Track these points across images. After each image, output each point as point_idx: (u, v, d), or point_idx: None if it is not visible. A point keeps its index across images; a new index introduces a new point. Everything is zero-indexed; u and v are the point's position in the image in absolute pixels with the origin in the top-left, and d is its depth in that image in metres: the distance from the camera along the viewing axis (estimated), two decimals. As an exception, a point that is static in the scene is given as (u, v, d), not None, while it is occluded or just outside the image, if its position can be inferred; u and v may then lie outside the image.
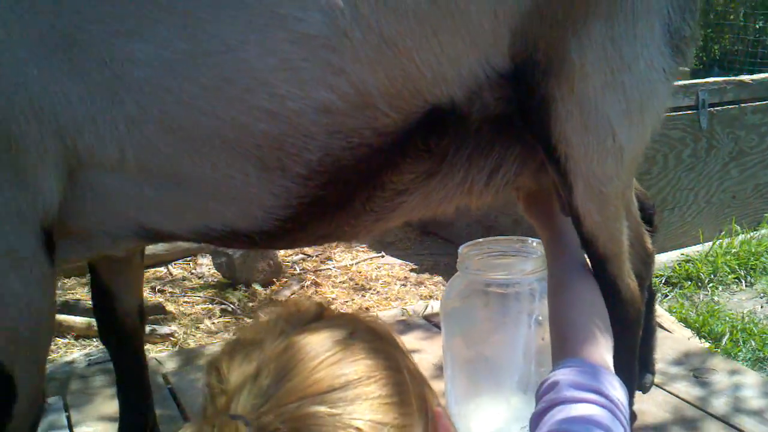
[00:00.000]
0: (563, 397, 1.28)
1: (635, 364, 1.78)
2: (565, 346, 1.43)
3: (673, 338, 3.03)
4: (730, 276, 4.39)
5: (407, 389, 0.99)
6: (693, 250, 4.54)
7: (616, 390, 1.30)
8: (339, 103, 1.38)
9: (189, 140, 1.39)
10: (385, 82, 1.39)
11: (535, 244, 1.99)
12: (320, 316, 1.04)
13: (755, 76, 4.82)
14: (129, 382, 1.95)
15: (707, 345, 3.46)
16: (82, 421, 2.41)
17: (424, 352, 2.83)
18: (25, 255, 1.44)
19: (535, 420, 1.30)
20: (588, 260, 1.60)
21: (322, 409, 0.90)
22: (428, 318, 3.21)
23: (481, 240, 2.04)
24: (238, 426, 0.87)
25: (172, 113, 1.37)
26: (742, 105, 4.61)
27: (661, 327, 3.54)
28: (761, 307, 4.12)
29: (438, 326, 2.91)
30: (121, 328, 1.89)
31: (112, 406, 2.44)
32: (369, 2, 1.33)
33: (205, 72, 1.34)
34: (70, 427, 2.39)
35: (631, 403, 1.78)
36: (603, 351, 1.41)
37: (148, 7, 1.33)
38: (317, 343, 0.96)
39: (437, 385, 2.24)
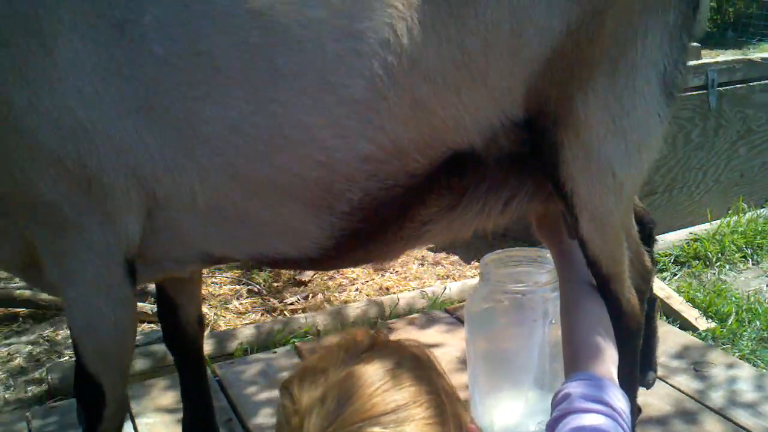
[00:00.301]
0: (574, 407, 1.50)
1: (637, 369, 2.04)
2: (576, 361, 1.66)
3: (675, 332, 3.27)
4: (737, 255, 4.57)
5: (445, 410, 1.18)
6: (701, 229, 4.74)
7: (620, 401, 1.51)
8: (377, 153, 1.64)
9: (251, 187, 1.66)
10: (416, 135, 1.65)
11: (548, 255, 2.26)
12: (372, 346, 1.24)
13: (765, 55, 5.02)
14: (192, 381, 2.24)
15: (713, 325, 3.67)
16: (141, 412, 2.71)
17: (447, 345, 3.08)
18: (112, 282, 1.73)
19: (551, 426, 1.50)
20: (593, 278, 1.88)
21: (377, 429, 1.09)
22: (450, 312, 3.46)
23: (501, 251, 2.32)
24: None
25: (237, 165, 1.64)
26: (751, 84, 4.73)
27: (671, 309, 3.76)
28: (767, 286, 4.33)
29: (459, 319, 3.21)
30: (184, 335, 2.18)
31: (167, 398, 2.73)
32: (404, 69, 1.58)
33: (265, 130, 1.60)
34: (132, 419, 2.68)
35: (633, 405, 2.04)
36: (609, 364, 1.64)
37: (218, 76, 1.58)
38: (372, 373, 1.17)
39: (461, 378, 2.53)
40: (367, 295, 4.29)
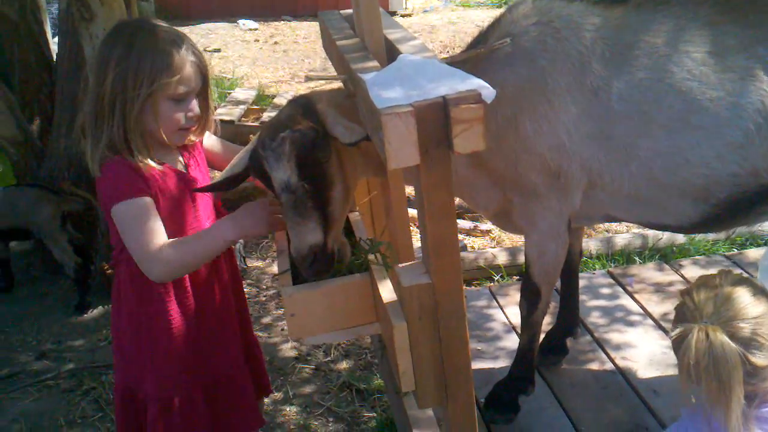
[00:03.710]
0: None
1: None
2: None
3: None
4: None
5: None
6: None
7: None
8: (741, 172, 2.82)
9: (659, 186, 2.95)
10: (767, 164, 2.95)
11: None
12: (739, 281, 2.12)
13: None
14: (568, 288, 3.89)
15: None
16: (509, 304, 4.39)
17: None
18: (559, 231, 3.16)
19: None
20: None
21: (743, 324, 1.97)
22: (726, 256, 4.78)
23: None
24: (715, 327, 1.97)
25: (654, 174, 2.92)
26: None
27: None
28: None
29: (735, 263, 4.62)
30: (571, 260, 3.73)
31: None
32: (766, 126, 2.89)
33: (675, 156, 2.87)
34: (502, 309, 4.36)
35: None
36: None
37: (651, 124, 2.88)
38: (743, 294, 2.04)
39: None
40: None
